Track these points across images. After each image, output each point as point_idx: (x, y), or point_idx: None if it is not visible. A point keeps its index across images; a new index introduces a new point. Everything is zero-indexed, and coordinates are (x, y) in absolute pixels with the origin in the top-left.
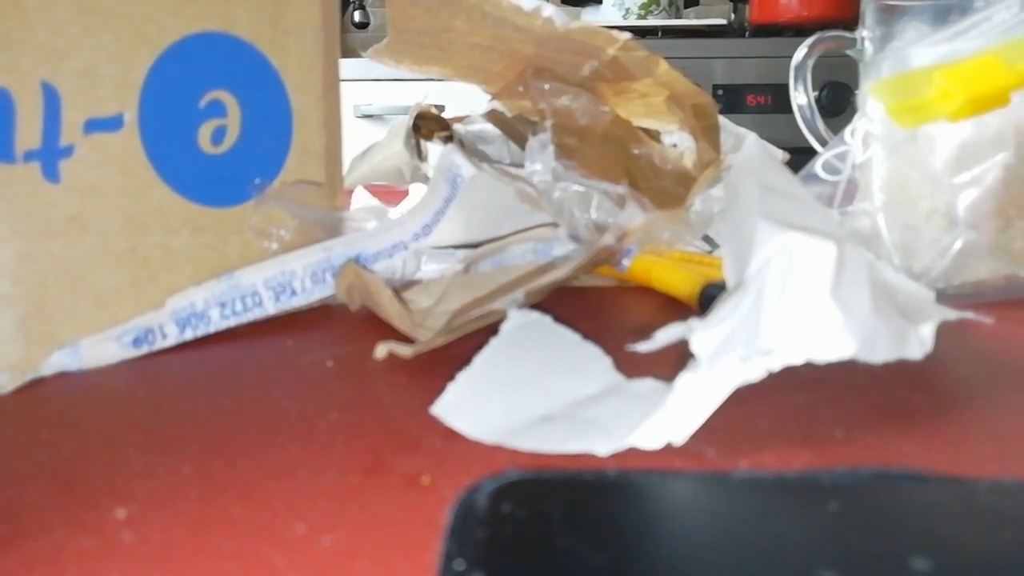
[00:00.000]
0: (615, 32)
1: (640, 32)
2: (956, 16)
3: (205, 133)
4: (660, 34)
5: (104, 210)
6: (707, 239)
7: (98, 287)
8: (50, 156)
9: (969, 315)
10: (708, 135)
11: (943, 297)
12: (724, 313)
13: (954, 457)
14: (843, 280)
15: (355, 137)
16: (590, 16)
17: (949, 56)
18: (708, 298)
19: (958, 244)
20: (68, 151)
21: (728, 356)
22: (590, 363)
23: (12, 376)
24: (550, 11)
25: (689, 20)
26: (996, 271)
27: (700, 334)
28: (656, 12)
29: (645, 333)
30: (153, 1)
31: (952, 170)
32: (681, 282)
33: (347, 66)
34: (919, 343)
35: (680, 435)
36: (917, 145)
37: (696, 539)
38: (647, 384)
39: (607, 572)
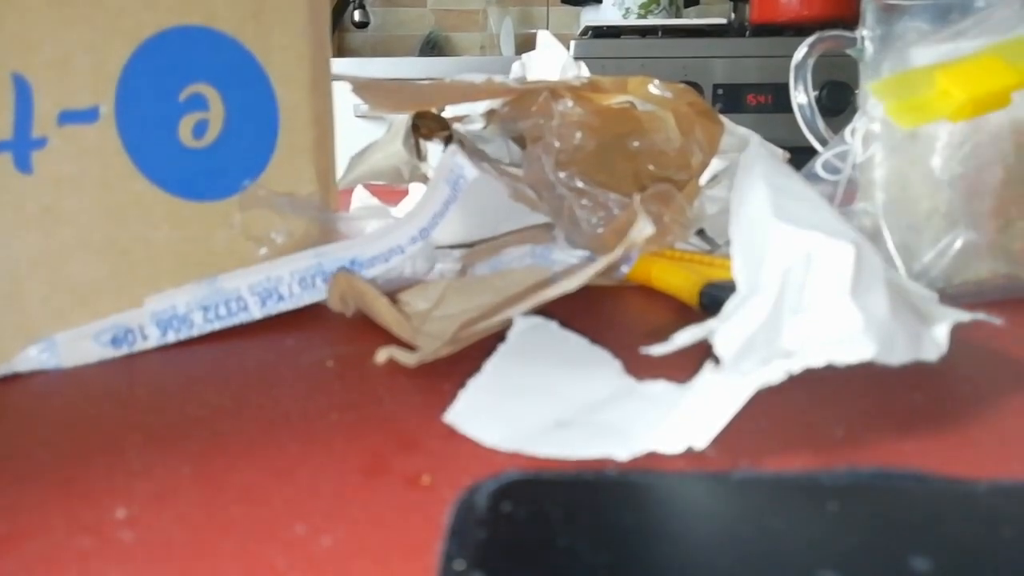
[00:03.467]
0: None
1: (640, 32)
2: (956, 16)
3: (186, 127)
4: (660, 34)
5: (80, 202)
6: (707, 239)
7: (75, 279)
8: (22, 147)
9: (982, 316)
10: (705, 122)
11: (943, 297)
12: (745, 315)
13: (954, 457)
14: (862, 282)
15: (354, 137)
16: (590, 16)
17: (949, 56)
18: (708, 298)
19: (958, 244)
20: (41, 142)
21: (750, 359)
22: (600, 367)
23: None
24: (500, 79)
25: (689, 20)
26: (996, 271)
27: (723, 337)
28: (656, 12)
29: (649, 333)
30: None
31: (952, 170)
32: (681, 281)
33: (347, 66)
34: (934, 345)
35: (702, 439)
36: (917, 145)
37: (696, 539)
38: (659, 387)
39: (607, 572)
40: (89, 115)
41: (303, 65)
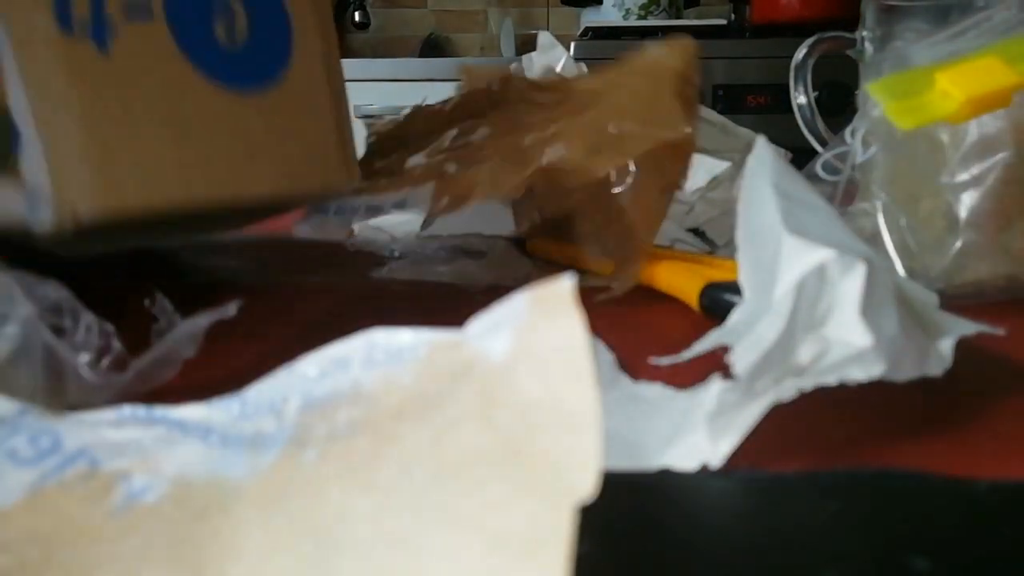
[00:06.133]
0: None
1: (640, 33)
2: (956, 16)
3: (219, 29)
4: (660, 35)
5: (148, 82)
6: (707, 240)
7: (149, 144)
8: (99, 29)
9: (986, 328)
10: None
11: (943, 298)
12: (760, 333)
13: (954, 457)
14: (872, 299)
15: (355, 136)
16: (590, 17)
17: (949, 56)
18: (709, 299)
19: (958, 244)
20: (113, 29)
21: (764, 377)
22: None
23: (89, 207)
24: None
25: (689, 20)
26: (996, 271)
27: (739, 354)
28: (656, 12)
29: (649, 334)
30: None
31: (952, 170)
32: (682, 282)
33: (347, 66)
34: (939, 359)
35: (717, 457)
36: (917, 145)
37: (695, 539)
38: (655, 390)
39: (605, 571)
40: (144, 10)
41: None
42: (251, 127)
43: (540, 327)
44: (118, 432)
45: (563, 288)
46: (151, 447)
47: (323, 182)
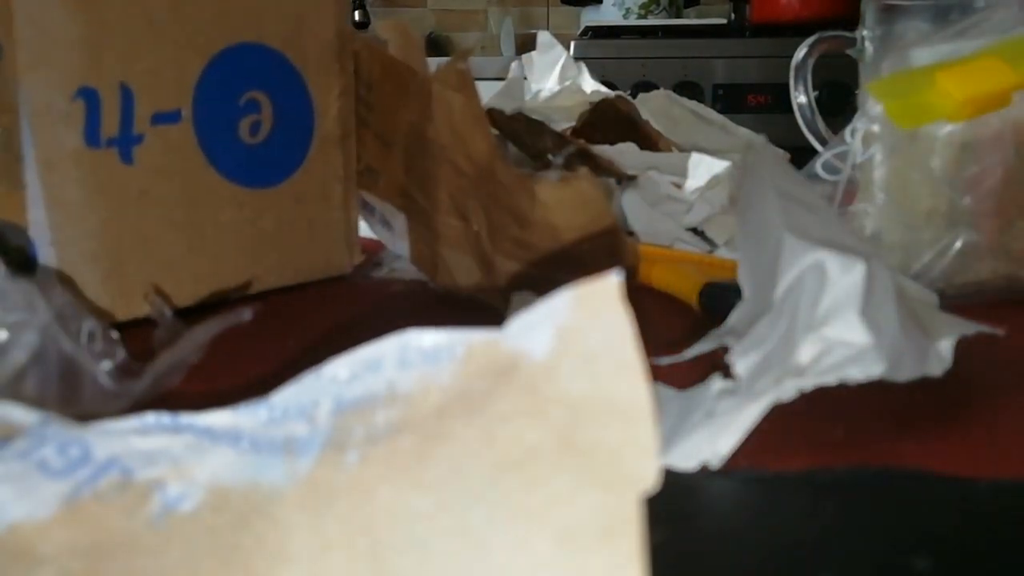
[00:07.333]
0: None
1: (640, 32)
2: (956, 16)
3: (244, 126)
4: (660, 34)
5: (167, 188)
6: (706, 239)
7: (162, 253)
8: (126, 143)
9: (985, 328)
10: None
11: (943, 298)
12: (761, 333)
13: (954, 457)
14: (872, 299)
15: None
16: (590, 16)
17: (949, 56)
18: (708, 297)
19: (958, 244)
20: (139, 139)
21: (764, 378)
22: None
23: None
24: None
25: (689, 20)
26: (996, 271)
27: (739, 355)
28: (656, 12)
29: (649, 333)
30: (203, 16)
31: (952, 170)
32: (681, 281)
33: None
34: (938, 359)
35: (717, 456)
36: (917, 145)
37: (695, 539)
38: (654, 390)
39: None
40: (174, 116)
41: (332, 74)
42: (264, 223)
43: (585, 324)
44: (145, 440)
45: (609, 285)
46: (182, 455)
47: (326, 267)
